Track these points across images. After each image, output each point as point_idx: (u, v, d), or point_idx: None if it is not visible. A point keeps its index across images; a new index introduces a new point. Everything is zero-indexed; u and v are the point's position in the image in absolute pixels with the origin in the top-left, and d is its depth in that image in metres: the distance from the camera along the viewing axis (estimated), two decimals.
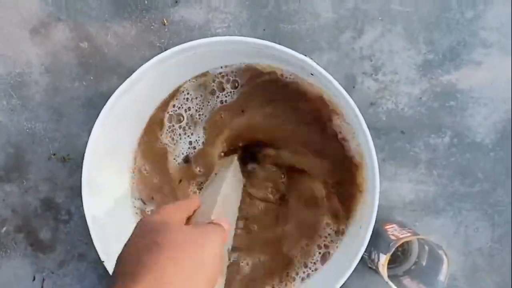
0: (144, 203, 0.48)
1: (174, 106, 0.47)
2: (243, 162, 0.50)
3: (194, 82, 0.47)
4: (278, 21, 0.50)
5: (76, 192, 0.52)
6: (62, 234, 0.54)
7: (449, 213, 0.53)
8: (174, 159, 0.48)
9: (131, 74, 0.38)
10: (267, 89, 0.46)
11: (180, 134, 0.48)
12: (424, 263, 0.49)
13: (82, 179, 0.39)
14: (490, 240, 0.53)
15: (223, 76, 0.46)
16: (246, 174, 0.51)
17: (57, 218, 0.54)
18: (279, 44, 0.49)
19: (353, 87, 0.51)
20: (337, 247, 0.46)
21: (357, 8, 0.50)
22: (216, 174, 0.46)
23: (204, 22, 0.51)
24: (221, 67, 0.46)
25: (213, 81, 0.47)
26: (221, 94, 0.47)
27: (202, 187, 0.49)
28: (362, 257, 0.50)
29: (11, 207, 0.54)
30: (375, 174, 0.37)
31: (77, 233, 0.54)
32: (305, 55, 0.36)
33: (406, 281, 0.48)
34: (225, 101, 0.47)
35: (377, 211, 0.52)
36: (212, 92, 0.47)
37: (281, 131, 0.48)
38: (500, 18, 0.50)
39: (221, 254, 0.27)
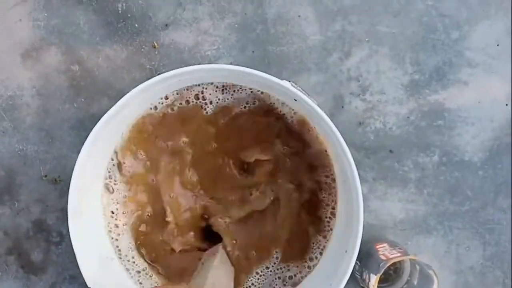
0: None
1: None
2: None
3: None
4: (267, 43, 0.51)
5: (67, 214, 0.52)
6: (53, 256, 0.54)
7: (440, 232, 0.53)
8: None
9: (121, 96, 0.39)
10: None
11: None
12: (415, 282, 0.49)
13: (68, 207, 0.39)
14: (481, 258, 0.53)
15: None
16: None
17: (49, 240, 0.54)
18: (268, 65, 0.50)
19: (342, 107, 0.52)
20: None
21: (344, 30, 0.51)
22: (202, 263, 0.45)
23: (194, 45, 0.51)
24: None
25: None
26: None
27: None
28: (354, 277, 0.50)
29: (3, 229, 0.54)
30: (359, 203, 0.37)
31: (69, 255, 0.54)
32: (289, 81, 0.36)
33: None
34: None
35: (369, 231, 0.52)
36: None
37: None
38: (485, 38, 0.50)
39: None
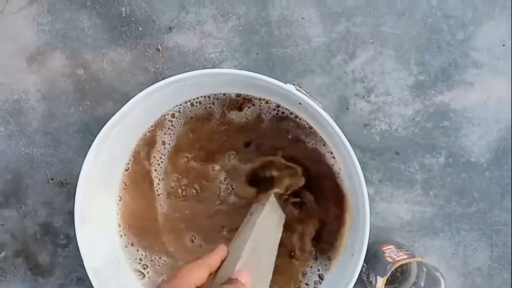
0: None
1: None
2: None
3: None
4: (271, 45, 0.51)
5: (73, 216, 0.53)
6: (60, 258, 0.55)
7: (447, 233, 0.52)
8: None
9: (126, 100, 0.39)
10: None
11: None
12: (422, 284, 0.48)
13: (75, 210, 0.39)
14: (489, 259, 0.52)
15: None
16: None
17: (56, 242, 0.54)
18: (273, 67, 0.49)
19: (347, 108, 0.51)
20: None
21: (348, 32, 0.50)
22: (251, 214, 0.43)
23: (198, 48, 0.51)
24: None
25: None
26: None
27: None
28: (361, 279, 0.50)
29: (10, 232, 0.54)
30: (365, 206, 0.37)
31: (76, 257, 0.54)
32: (294, 84, 0.36)
33: None
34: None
35: (375, 232, 0.52)
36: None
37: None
38: (490, 39, 0.50)
39: None
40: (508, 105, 0.51)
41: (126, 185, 0.47)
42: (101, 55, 0.52)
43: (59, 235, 0.54)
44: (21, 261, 0.55)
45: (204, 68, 0.51)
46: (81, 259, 0.40)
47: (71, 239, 0.54)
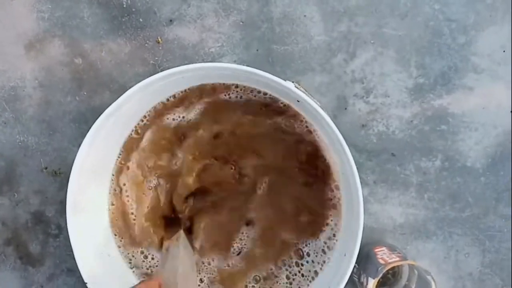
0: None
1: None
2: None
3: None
4: (271, 42, 0.50)
5: (66, 206, 0.52)
6: (51, 248, 0.54)
7: (439, 237, 0.52)
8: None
9: (123, 90, 0.38)
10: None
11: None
12: (413, 287, 0.49)
13: (67, 200, 0.39)
14: (480, 265, 0.53)
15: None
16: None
17: (47, 232, 0.54)
18: (273, 64, 0.49)
19: (345, 108, 0.51)
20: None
21: (349, 31, 0.50)
22: (167, 250, 0.46)
23: (198, 41, 0.51)
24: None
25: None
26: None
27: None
28: (352, 280, 0.50)
29: (2, 220, 0.54)
30: (360, 206, 0.37)
31: (67, 247, 0.54)
32: (293, 81, 0.36)
33: None
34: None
35: (368, 234, 0.52)
36: None
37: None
38: (491, 44, 0.50)
39: None
40: (507, 111, 0.51)
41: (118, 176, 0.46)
42: (100, 45, 0.51)
43: (51, 225, 0.54)
44: (12, 249, 0.54)
45: (203, 62, 0.51)
46: (72, 249, 0.40)
47: (62, 229, 0.54)
